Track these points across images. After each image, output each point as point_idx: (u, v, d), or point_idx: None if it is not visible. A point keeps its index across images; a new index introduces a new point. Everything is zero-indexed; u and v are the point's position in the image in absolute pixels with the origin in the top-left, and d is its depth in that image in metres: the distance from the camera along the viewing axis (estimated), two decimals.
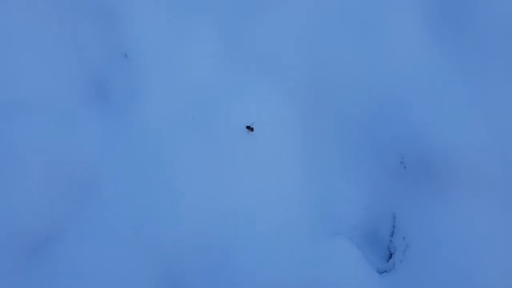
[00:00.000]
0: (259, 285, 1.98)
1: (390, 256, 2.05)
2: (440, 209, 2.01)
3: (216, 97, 2.34)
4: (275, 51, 2.42)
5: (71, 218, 2.15)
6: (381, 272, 2.02)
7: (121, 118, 2.34)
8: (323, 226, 2.12)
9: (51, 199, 2.16)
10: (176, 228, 2.10)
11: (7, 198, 2.10)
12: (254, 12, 2.47)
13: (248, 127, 2.21)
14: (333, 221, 2.16)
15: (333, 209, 2.17)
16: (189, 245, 2.07)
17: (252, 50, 2.44)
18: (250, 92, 2.34)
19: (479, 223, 1.96)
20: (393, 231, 2.07)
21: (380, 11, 2.44)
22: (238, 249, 2.07)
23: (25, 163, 2.18)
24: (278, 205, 2.19)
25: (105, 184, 2.20)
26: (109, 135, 2.31)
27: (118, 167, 2.22)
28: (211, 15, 2.49)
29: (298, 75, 2.36)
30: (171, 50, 2.46)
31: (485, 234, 1.92)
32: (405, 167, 2.11)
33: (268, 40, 2.45)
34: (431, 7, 2.49)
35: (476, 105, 2.20)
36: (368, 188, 2.16)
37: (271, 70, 2.39)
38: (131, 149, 2.25)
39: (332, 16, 2.47)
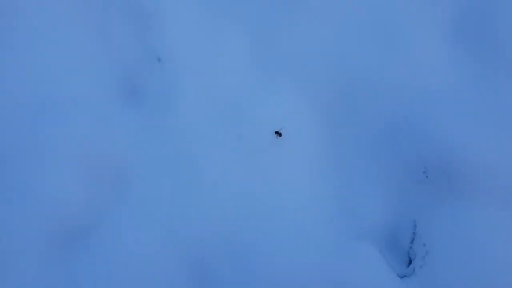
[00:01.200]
0: (283, 285, 2.09)
1: (410, 261, 2.15)
2: (460, 218, 2.10)
3: (245, 100, 2.43)
4: (303, 58, 2.51)
5: (106, 210, 2.26)
6: (401, 276, 2.12)
7: (154, 118, 2.45)
8: (347, 230, 2.22)
9: (88, 191, 2.27)
10: (206, 223, 2.20)
11: (46, 190, 2.21)
12: (284, 18, 2.56)
13: (276, 132, 2.31)
14: (356, 225, 2.26)
15: (357, 213, 2.26)
16: (218, 240, 2.17)
17: (280, 56, 2.53)
18: (278, 97, 2.44)
19: (499, 231, 2.05)
20: (414, 237, 2.16)
21: (406, 24, 2.53)
22: (264, 248, 2.17)
23: (64, 157, 2.29)
24: (303, 207, 2.29)
25: (139, 178, 2.31)
26: (143, 133, 2.42)
27: (151, 163, 2.33)
28: (242, 21, 2.58)
29: (325, 82, 2.45)
30: (203, 55, 2.56)
31: (505, 242, 2.01)
32: (427, 177, 2.20)
33: (297, 47, 2.54)
34: (454, 20, 2.57)
35: (497, 116, 2.28)
36: (391, 195, 2.25)
37: (298, 77, 2.48)
38: (163, 147, 2.36)
39: (360, 26, 2.55)
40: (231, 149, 2.31)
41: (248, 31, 2.57)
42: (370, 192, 2.28)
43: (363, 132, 2.38)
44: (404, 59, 2.46)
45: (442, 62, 2.48)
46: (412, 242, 2.16)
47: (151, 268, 2.14)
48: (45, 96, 2.48)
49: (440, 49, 2.49)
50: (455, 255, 2.03)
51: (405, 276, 2.12)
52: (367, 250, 2.14)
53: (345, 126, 2.40)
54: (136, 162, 2.35)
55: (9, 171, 2.25)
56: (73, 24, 2.64)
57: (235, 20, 2.59)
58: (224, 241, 2.17)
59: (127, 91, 2.56)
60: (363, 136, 2.38)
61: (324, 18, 2.56)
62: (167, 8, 2.62)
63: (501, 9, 2.51)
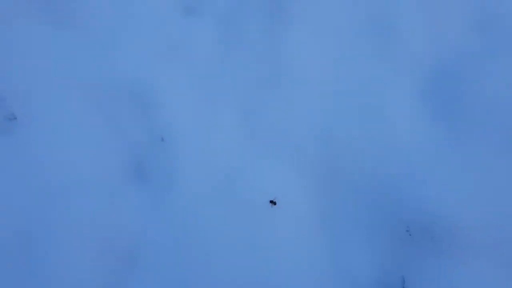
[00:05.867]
0: None
1: None
2: (444, 272, 2.30)
3: (241, 175, 2.69)
4: (291, 132, 2.78)
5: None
6: None
7: (159, 194, 2.69)
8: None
9: (100, 269, 2.48)
10: None
11: (58, 270, 2.43)
12: (269, 96, 2.86)
13: (271, 202, 2.55)
14: (349, 283, 2.45)
15: (349, 272, 2.46)
16: None
17: (270, 131, 2.81)
18: (270, 170, 2.69)
19: (479, 284, 2.24)
20: None
21: (384, 93, 2.83)
22: None
23: (75, 238, 2.52)
24: (298, 268, 2.49)
25: (146, 255, 2.52)
26: (149, 210, 2.65)
27: (157, 239, 2.55)
28: (233, 102, 2.88)
29: (312, 152, 2.71)
30: (201, 134, 2.84)
31: None
32: (410, 235, 2.42)
33: (284, 122, 2.82)
34: (425, 89, 2.87)
35: (471, 176, 2.53)
36: (379, 254, 2.46)
37: (288, 150, 2.75)
38: (169, 223, 2.58)
39: (341, 98, 2.84)
40: (230, 220, 2.54)
41: (239, 111, 2.86)
42: (360, 251, 2.49)
43: (349, 196, 2.62)
44: (384, 127, 2.74)
45: (416, 128, 2.75)
46: None
47: None
48: (58, 179, 2.74)
49: (417, 117, 2.78)
50: None
51: None
52: None
53: (333, 192, 2.64)
54: (142, 238, 2.57)
55: (23, 252, 2.48)
56: (84, 114, 2.94)
57: (227, 101, 2.90)
58: None
59: (134, 171, 2.83)
60: (350, 200, 2.62)
61: (307, 93, 2.87)
62: (168, 94, 2.93)
63: (470, 76, 2.82)
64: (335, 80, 2.87)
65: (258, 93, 2.89)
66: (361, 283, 2.40)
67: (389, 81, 2.89)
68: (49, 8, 3.22)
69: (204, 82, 2.94)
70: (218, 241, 2.51)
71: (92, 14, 3.17)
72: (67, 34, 3.14)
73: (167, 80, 2.95)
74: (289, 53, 2.93)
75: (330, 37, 2.96)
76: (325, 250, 2.53)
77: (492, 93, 2.74)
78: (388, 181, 2.53)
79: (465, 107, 2.71)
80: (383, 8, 3.08)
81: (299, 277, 2.46)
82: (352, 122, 2.75)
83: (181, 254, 2.49)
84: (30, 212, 2.62)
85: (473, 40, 2.99)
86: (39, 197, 2.68)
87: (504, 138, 2.62)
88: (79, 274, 2.42)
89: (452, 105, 2.78)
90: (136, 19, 3.12)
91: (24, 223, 2.58)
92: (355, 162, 2.63)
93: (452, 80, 2.86)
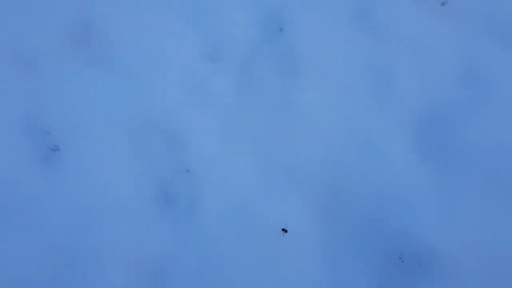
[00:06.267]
0: None
1: None
2: None
3: (256, 204, 3.08)
4: (300, 167, 3.19)
5: None
6: None
7: (185, 220, 3.08)
8: None
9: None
10: None
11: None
12: (283, 138, 3.28)
13: (283, 229, 2.94)
14: None
15: None
16: None
17: (282, 166, 3.22)
18: (282, 201, 3.09)
19: None
20: None
21: (378, 136, 3.24)
22: None
23: (109, 259, 2.90)
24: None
25: (174, 277, 2.90)
26: (176, 233, 3.04)
27: (184, 262, 2.93)
28: (250, 141, 3.29)
29: (316, 185, 3.11)
30: (221, 167, 3.25)
31: None
32: (402, 261, 2.79)
33: (295, 158, 3.23)
34: (417, 132, 3.30)
35: (458, 210, 2.92)
36: (375, 277, 2.83)
37: (297, 183, 3.15)
38: (194, 246, 2.97)
39: (342, 139, 3.27)
40: (247, 246, 2.92)
41: (254, 148, 3.28)
42: (358, 274, 2.86)
43: (350, 225, 3.01)
44: (381, 164, 3.15)
45: (411, 166, 3.16)
46: None
47: None
48: (94, 204, 3.14)
49: (410, 157, 3.19)
50: None
51: None
52: None
53: (335, 221, 3.03)
54: (170, 260, 2.95)
55: (66, 270, 2.86)
56: (118, 146, 3.36)
57: (244, 138, 3.31)
58: None
59: (161, 199, 3.23)
60: (350, 228, 3.00)
61: (313, 133, 3.29)
62: (193, 130, 3.35)
63: (457, 123, 3.24)
64: (339, 122, 3.29)
65: (270, 133, 3.30)
66: None
67: (386, 124, 3.31)
68: (84, 49, 3.68)
69: (224, 121, 3.37)
70: (234, 261, 2.88)
71: (126, 55, 3.63)
72: (103, 73, 3.59)
73: (192, 118, 3.37)
74: (298, 98, 3.37)
75: (334, 84, 3.41)
76: (325, 272, 2.90)
77: (477, 139, 3.15)
78: (382, 212, 2.93)
79: (452, 150, 3.12)
80: (381, 60, 3.54)
81: None
82: (352, 160, 3.16)
83: (203, 273, 2.86)
84: (69, 233, 3.00)
85: (461, 91, 3.43)
86: (78, 219, 3.07)
87: (486, 178, 3.02)
88: None
89: (441, 147, 3.20)
90: (166, 62, 3.57)
91: (64, 243, 2.96)
92: (353, 195, 3.03)
93: (442, 126, 3.28)
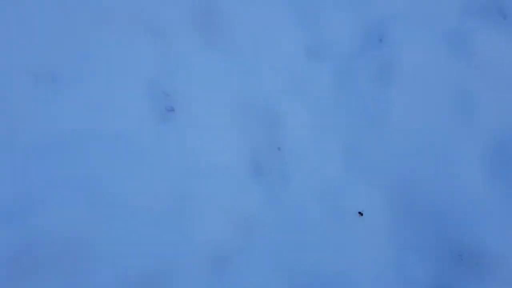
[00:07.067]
0: None
1: None
2: None
3: (340, 188, 3.56)
4: (380, 164, 3.64)
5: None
6: None
7: (275, 191, 3.60)
8: None
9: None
10: None
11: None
12: (370, 135, 3.73)
13: (359, 213, 3.41)
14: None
15: (407, 277, 3.28)
16: None
17: (366, 161, 3.68)
18: (362, 189, 3.56)
19: None
20: None
21: (452, 151, 3.65)
22: None
23: (211, 212, 3.44)
24: (367, 267, 3.33)
25: (261, 233, 3.42)
26: (266, 199, 3.56)
27: (271, 222, 3.45)
28: (340, 132, 3.76)
29: (395, 184, 3.56)
30: (310, 152, 3.73)
31: None
32: (461, 259, 3.22)
33: (377, 155, 3.68)
34: (491, 150, 3.67)
35: None
36: (433, 268, 3.27)
37: (376, 176, 3.61)
38: (281, 212, 3.49)
39: (422, 151, 3.69)
40: (326, 219, 3.41)
41: (344, 141, 3.75)
42: (418, 263, 3.30)
43: (418, 220, 3.44)
44: (452, 173, 3.56)
45: (481, 178, 3.55)
46: None
47: None
48: (200, 164, 3.69)
49: (480, 169, 3.58)
50: None
51: None
52: None
53: (405, 215, 3.48)
54: (259, 219, 3.47)
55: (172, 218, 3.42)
56: (223, 118, 3.90)
57: (336, 131, 3.79)
58: None
59: (255, 168, 3.75)
60: (418, 223, 3.43)
61: (396, 139, 3.73)
62: (289, 116, 3.84)
63: None
64: (421, 132, 3.71)
65: (359, 129, 3.76)
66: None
67: (462, 140, 3.71)
68: (207, 28, 4.22)
69: (319, 111, 3.85)
70: (313, 230, 3.37)
71: (241, 39, 4.15)
72: (220, 52, 4.13)
73: (290, 104, 3.86)
74: (388, 104, 3.81)
75: (422, 98, 3.83)
76: (389, 258, 3.36)
77: None
78: (450, 214, 3.35)
79: None
80: (467, 83, 3.93)
81: (366, 273, 3.29)
82: (428, 166, 3.57)
83: (285, 235, 3.37)
84: (177, 182, 3.56)
85: None
86: (184, 173, 3.63)
87: None
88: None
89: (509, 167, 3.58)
90: (274, 51, 4.08)
91: (171, 192, 3.52)
92: (425, 195, 3.45)
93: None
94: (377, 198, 3.49)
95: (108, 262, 3.09)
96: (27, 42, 4.01)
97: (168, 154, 3.69)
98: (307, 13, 4.31)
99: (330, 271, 3.21)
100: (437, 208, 3.41)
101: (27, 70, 3.92)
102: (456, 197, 3.42)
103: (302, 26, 4.25)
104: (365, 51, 4.00)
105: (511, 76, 3.93)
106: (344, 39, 4.14)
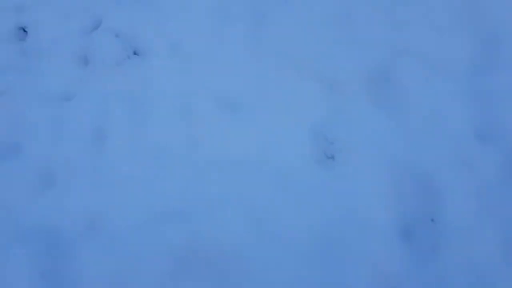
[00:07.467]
0: None
1: None
2: None
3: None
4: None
5: None
6: None
7: (423, 257, 3.55)
8: None
9: None
10: None
11: None
12: None
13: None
14: None
15: None
16: None
17: None
18: None
19: None
20: None
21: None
22: None
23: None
24: None
25: None
26: (413, 265, 3.52)
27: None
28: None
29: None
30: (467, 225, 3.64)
31: None
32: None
33: None
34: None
35: None
36: None
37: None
38: (426, 279, 3.42)
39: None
40: None
41: (503, 232, 3.61)
42: None
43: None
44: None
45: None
46: None
47: None
48: (350, 216, 3.78)
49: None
50: None
51: None
52: None
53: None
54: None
55: None
56: (377, 180, 3.98)
57: (495, 218, 3.67)
58: None
59: (405, 233, 3.74)
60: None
61: None
62: (450, 189, 3.82)
63: None
64: None
65: None
66: None
67: None
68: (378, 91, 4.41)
69: (480, 195, 3.77)
70: None
71: (411, 109, 4.27)
72: (386, 115, 4.29)
73: (451, 180, 3.84)
74: None
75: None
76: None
77: None
78: None
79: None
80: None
81: None
82: None
83: None
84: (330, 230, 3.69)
85: None
86: (339, 222, 3.75)
87: None
88: None
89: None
90: (438, 128, 4.13)
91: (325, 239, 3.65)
92: None
93: None
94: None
95: (258, 279, 3.31)
96: (217, 71, 4.59)
97: (323, 198, 3.91)
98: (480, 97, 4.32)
99: None
100: None
101: (213, 94, 4.46)
102: None
103: (474, 109, 4.25)
104: None
105: None
106: None
